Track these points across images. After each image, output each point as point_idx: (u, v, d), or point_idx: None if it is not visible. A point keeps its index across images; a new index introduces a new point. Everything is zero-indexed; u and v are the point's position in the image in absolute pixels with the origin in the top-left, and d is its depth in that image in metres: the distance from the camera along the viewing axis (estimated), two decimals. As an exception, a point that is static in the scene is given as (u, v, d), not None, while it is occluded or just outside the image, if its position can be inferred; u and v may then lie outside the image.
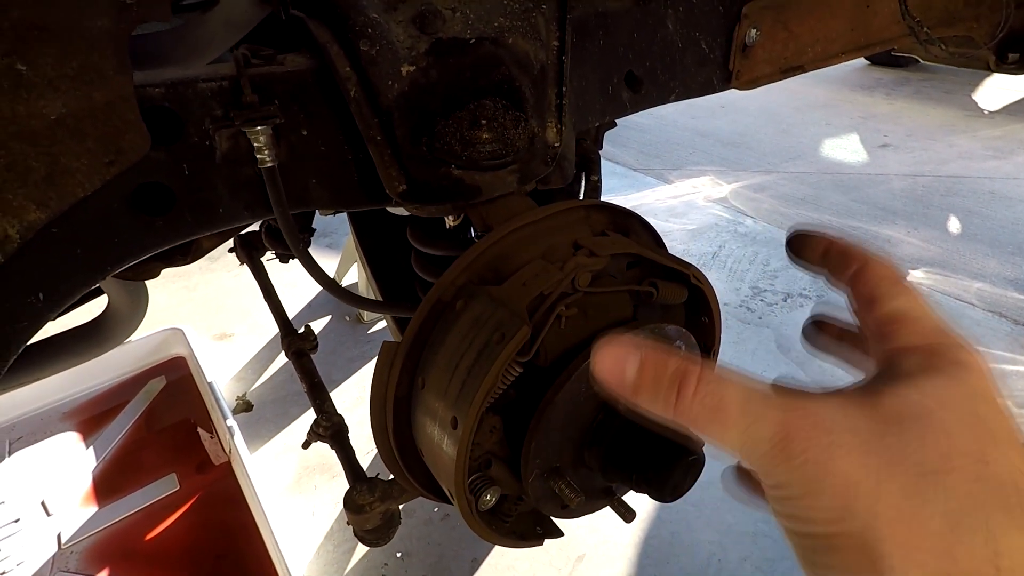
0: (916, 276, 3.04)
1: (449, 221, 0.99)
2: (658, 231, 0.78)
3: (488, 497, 0.63)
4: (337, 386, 2.41)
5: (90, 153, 0.58)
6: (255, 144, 0.63)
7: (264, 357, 2.58)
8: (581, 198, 1.19)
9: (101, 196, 0.60)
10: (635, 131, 5.10)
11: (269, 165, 0.64)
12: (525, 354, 0.58)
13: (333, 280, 0.83)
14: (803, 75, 1.13)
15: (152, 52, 0.89)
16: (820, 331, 0.54)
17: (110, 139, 0.58)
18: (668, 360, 0.38)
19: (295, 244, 0.73)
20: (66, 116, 0.54)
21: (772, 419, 0.34)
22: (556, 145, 0.74)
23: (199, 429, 2.10)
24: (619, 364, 0.39)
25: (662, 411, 0.38)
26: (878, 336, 0.42)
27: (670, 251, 0.74)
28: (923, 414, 0.34)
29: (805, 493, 0.33)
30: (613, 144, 4.80)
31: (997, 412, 0.35)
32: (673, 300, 0.71)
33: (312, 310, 2.87)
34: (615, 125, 1.18)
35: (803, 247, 0.53)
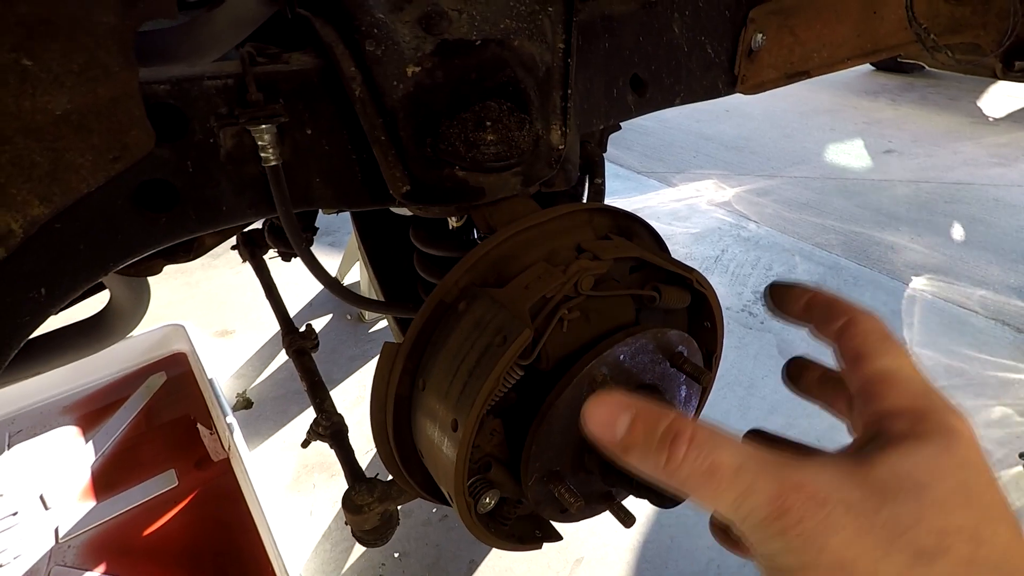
0: (919, 283, 3.04)
1: (452, 222, 0.99)
2: (661, 234, 0.78)
3: (487, 500, 0.63)
4: (337, 385, 2.41)
5: (94, 149, 0.58)
6: (259, 142, 0.63)
7: (265, 355, 2.58)
8: (585, 201, 1.18)
9: (105, 192, 0.60)
10: (639, 134, 5.09)
11: (273, 163, 0.64)
12: (527, 357, 0.58)
13: (335, 279, 0.83)
14: (808, 81, 1.13)
15: (158, 49, 0.89)
16: (802, 373, 0.53)
17: (115, 135, 0.58)
18: (660, 418, 0.37)
19: (298, 243, 0.73)
20: (71, 112, 0.54)
21: (766, 489, 0.34)
22: (560, 148, 0.74)
23: (199, 425, 2.10)
24: (610, 420, 0.39)
25: (652, 471, 0.37)
26: (865, 395, 0.42)
27: (673, 255, 0.74)
28: (916, 487, 0.34)
29: (799, 567, 0.33)
30: (617, 147, 4.80)
31: (988, 483, 0.35)
32: (676, 305, 0.70)
33: (313, 309, 2.87)
34: (619, 128, 1.18)
35: (784, 300, 0.52)
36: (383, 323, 2.76)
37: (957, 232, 3.54)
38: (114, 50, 0.55)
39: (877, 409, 0.40)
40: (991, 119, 5.28)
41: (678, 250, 3.35)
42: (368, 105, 0.65)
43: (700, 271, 0.70)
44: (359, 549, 1.81)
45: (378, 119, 0.65)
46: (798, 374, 0.53)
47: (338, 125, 0.69)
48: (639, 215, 0.74)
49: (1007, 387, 2.38)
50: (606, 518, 0.73)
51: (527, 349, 0.57)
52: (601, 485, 0.67)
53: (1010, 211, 3.74)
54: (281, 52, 0.69)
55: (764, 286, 0.52)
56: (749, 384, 2.41)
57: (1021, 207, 3.78)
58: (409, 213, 1.03)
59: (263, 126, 0.62)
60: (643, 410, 0.38)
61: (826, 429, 2.18)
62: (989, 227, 3.57)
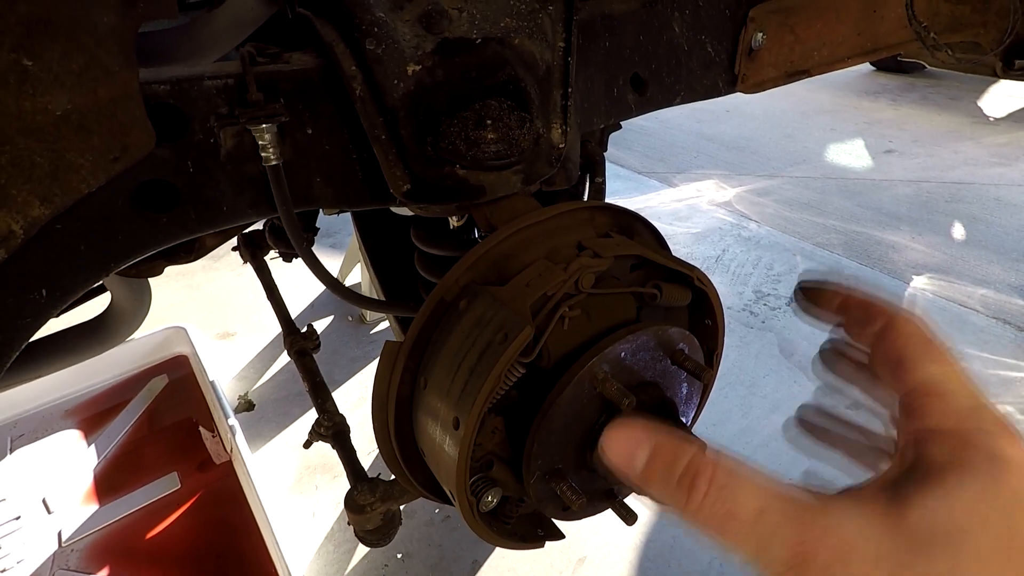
0: (920, 282, 3.03)
1: (453, 221, 0.99)
2: (662, 233, 0.78)
3: (489, 498, 0.63)
4: (339, 386, 2.41)
5: (95, 149, 0.58)
6: (260, 142, 0.63)
7: (266, 356, 2.58)
8: (585, 200, 1.18)
9: (105, 193, 0.60)
10: (640, 134, 5.09)
11: (274, 163, 0.64)
12: (528, 355, 0.58)
13: (336, 279, 0.83)
14: (808, 80, 1.13)
15: (158, 50, 0.89)
16: (839, 357, 0.50)
17: (115, 136, 0.58)
18: (679, 455, 0.36)
19: (299, 243, 0.73)
20: (71, 112, 0.54)
21: (788, 537, 0.32)
22: (561, 146, 0.74)
23: (200, 428, 2.10)
24: (629, 449, 0.37)
25: (672, 508, 0.36)
26: (907, 408, 0.38)
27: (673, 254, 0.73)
28: (954, 536, 0.31)
29: None
30: (617, 147, 4.80)
31: None
32: (677, 302, 0.70)
33: (315, 310, 2.88)
34: (620, 127, 1.18)
35: (816, 300, 0.48)
36: (384, 324, 2.76)
37: (958, 231, 3.54)
38: (114, 50, 0.55)
39: (919, 427, 0.37)
40: (992, 119, 5.28)
41: (679, 250, 3.35)
42: (369, 104, 0.65)
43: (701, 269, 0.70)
44: (362, 550, 1.81)
45: (379, 118, 0.65)
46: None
47: (339, 124, 0.69)
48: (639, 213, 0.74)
49: (1008, 385, 2.37)
50: (608, 517, 0.72)
51: (528, 347, 0.57)
52: (603, 483, 0.67)
53: (1010, 210, 3.73)
54: (281, 52, 0.69)
55: (795, 285, 0.49)
56: (751, 383, 2.41)
57: (1021, 206, 3.78)
58: (410, 213, 1.03)
59: (264, 125, 0.62)
60: (662, 444, 0.37)
61: (828, 428, 2.18)
62: (990, 226, 3.56)
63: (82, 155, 0.57)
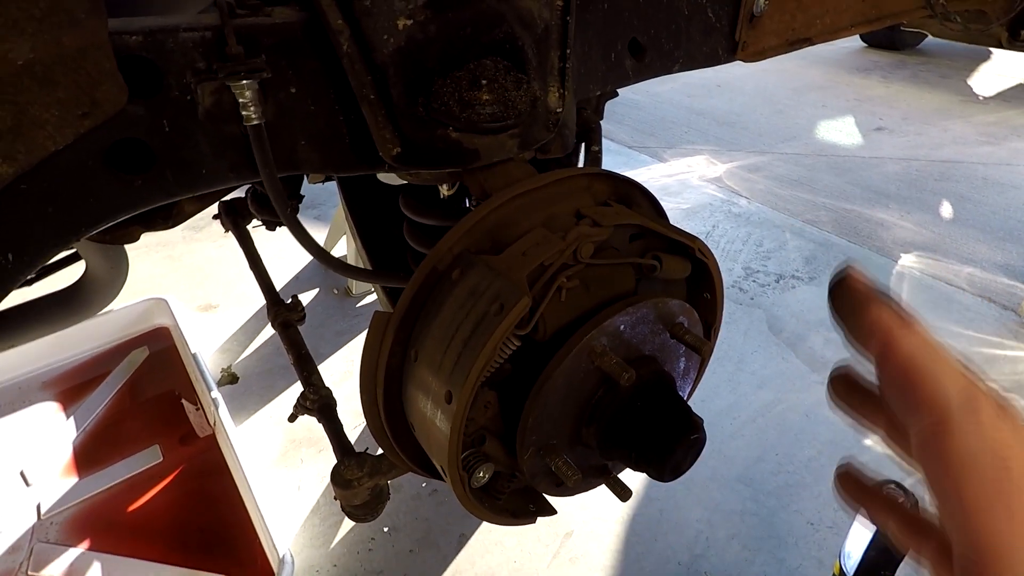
0: (908, 260, 3.05)
1: (443, 190, 0.96)
2: (658, 205, 0.75)
3: (481, 474, 0.61)
4: (325, 360, 2.38)
5: (61, 104, 0.54)
6: (240, 100, 0.60)
7: (250, 329, 2.54)
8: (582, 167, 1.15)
9: (75, 151, 0.56)
10: (630, 108, 5.04)
11: (255, 123, 0.61)
12: (524, 327, 0.56)
13: (322, 248, 0.79)
14: (799, 56, 1.10)
15: (132, 2, 0.84)
16: (849, 391, 0.46)
17: (83, 89, 0.54)
18: None
19: (282, 208, 0.69)
20: (34, 62, 0.50)
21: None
22: (558, 110, 0.71)
23: (183, 401, 2.07)
24: None
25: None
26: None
27: (673, 224, 0.71)
28: None
29: None
30: (608, 121, 4.73)
31: None
32: (676, 275, 0.68)
33: (300, 282, 2.83)
34: (616, 94, 1.15)
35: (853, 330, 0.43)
36: (371, 297, 2.72)
37: (946, 210, 3.55)
38: (80, -6, 0.51)
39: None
40: (981, 98, 5.28)
41: (668, 226, 3.33)
42: (356, 61, 0.61)
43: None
44: (348, 523, 1.80)
45: (367, 76, 0.62)
46: (845, 390, 0.46)
47: (324, 83, 0.65)
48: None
49: (993, 363, 2.40)
50: (596, 491, 0.71)
51: (524, 318, 0.55)
52: (598, 458, 0.66)
53: (998, 189, 3.75)
54: (262, 4, 0.65)
55: (831, 279, 0.45)
56: (739, 359, 2.42)
57: (1009, 185, 3.79)
58: (399, 181, 0.99)
59: (244, 82, 0.59)
60: None
61: (814, 404, 2.20)
62: (977, 205, 3.58)
63: (47, 109, 0.53)
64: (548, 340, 0.59)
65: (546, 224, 0.60)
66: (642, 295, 0.63)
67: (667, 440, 0.57)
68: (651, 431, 0.58)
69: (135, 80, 0.57)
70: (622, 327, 0.59)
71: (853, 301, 0.42)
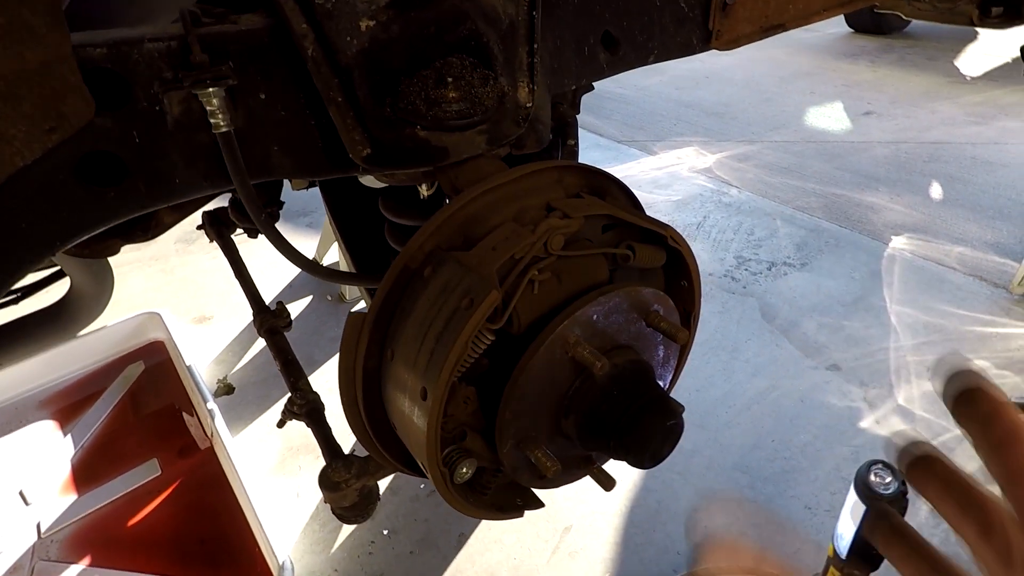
0: (899, 242, 3.05)
1: (423, 191, 0.96)
2: (642, 202, 0.76)
3: (464, 469, 0.61)
4: (319, 366, 2.38)
5: (27, 119, 0.54)
6: (208, 108, 0.60)
7: (244, 339, 2.54)
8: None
9: (44, 166, 0.57)
10: (618, 102, 5.04)
11: (224, 130, 0.61)
12: (496, 321, 0.56)
13: (300, 253, 0.80)
14: (786, 43, 1.10)
15: (102, 14, 0.84)
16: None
17: (49, 103, 0.55)
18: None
19: (256, 215, 0.70)
20: (-4, 77, 0.51)
21: None
22: (528, 105, 0.71)
23: (184, 414, 2.07)
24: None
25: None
26: None
27: (648, 214, 0.71)
28: None
29: None
30: (596, 116, 4.75)
31: None
32: (651, 263, 0.69)
33: (294, 289, 2.83)
34: (592, 88, 1.15)
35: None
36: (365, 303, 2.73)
37: (935, 191, 3.56)
38: (40, 10, 0.51)
39: None
40: (968, 78, 5.29)
41: (660, 217, 3.33)
42: (322, 64, 0.62)
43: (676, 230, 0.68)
44: (348, 528, 1.81)
45: (333, 78, 0.62)
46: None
47: (293, 88, 0.65)
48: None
49: (985, 341, 2.41)
50: (593, 485, 0.71)
51: (497, 312, 0.55)
52: (580, 449, 0.66)
53: (987, 168, 3.76)
54: (228, 12, 0.65)
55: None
56: (733, 348, 2.42)
57: (998, 164, 3.80)
58: (379, 184, 0.99)
59: (211, 89, 0.59)
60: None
61: (808, 389, 2.20)
62: (966, 185, 3.59)
63: (13, 125, 0.53)
64: (523, 333, 0.60)
65: (516, 218, 0.61)
66: (615, 284, 0.63)
67: (644, 428, 0.58)
68: (628, 419, 0.59)
69: (102, 92, 0.57)
70: (595, 317, 0.60)
71: (985, 411, 0.39)
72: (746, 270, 2.90)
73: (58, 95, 0.55)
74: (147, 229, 0.89)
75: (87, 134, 0.58)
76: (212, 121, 0.61)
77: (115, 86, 0.59)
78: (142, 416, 2.09)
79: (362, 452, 0.81)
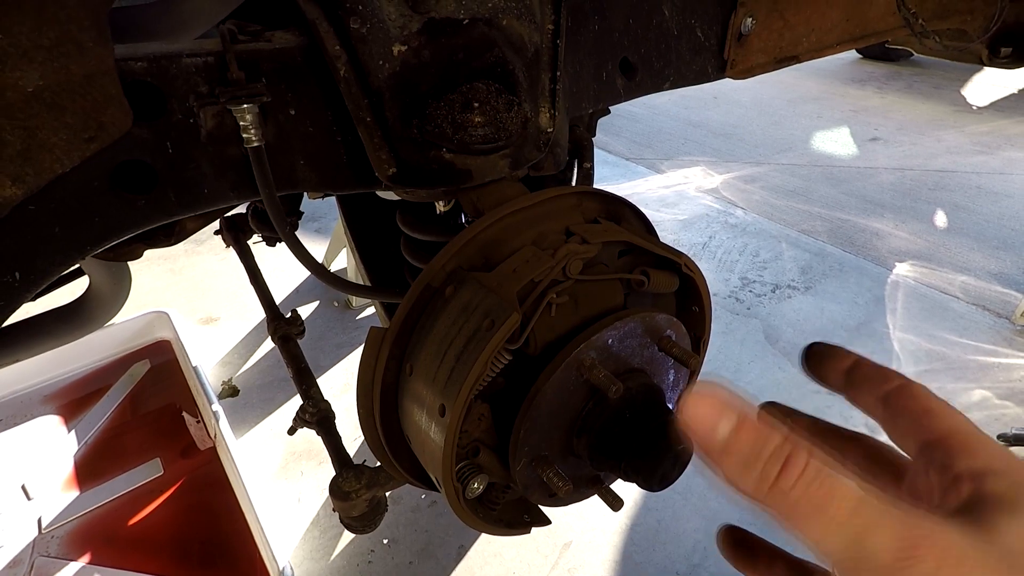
0: (902, 269, 3.07)
1: (440, 207, 0.98)
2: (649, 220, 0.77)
3: (476, 485, 0.63)
4: (324, 372, 2.39)
5: (69, 128, 0.56)
6: (241, 123, 0.62)
7: (250, 342, 2.55)
8: (573, 185, 1.17)
9: (81, 173, 0.58)
10: (628, 121, 5.08)
11: (255, 144, 0.62)
12: (515, 342, 0.58)
13: (320, 264, 0.81)
14: (796, 68, 1.13)
15: (136, 26, 0.86)
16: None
17: (90, 114, 0.56)
18: (772, 433, 0.34)
19: (282, 227, 0.71)
20: (43, 89, 0.53)
21: (892, 530, 0.31)
22: (549, 130, 0.73)
23: (184, 414, 2.08)
24: (714, 415, 0.35)
25: (750, 487, 0.34)
26: (946, 449, 0.39)
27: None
28: None
29: None
30: (606, 133, 4.78)
31: None
32: (664, 289, 0.70)
33: (300, 295, 2.85)
34: (608, 112, 1.17)
35: (823, 363, 0.50)
36: (370, 310, 2.74)
37: (940, 219, 3.58)
38: (87, 25, 0.53)
39: (970, 467, 0.37)
40: (975, 107, 5.32)
41: (666, 237, 3.35)
42: (353, 85, 0.64)
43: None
44: (348, 535, 1.81)
45: (363, 99, 0.64)
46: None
47: (322, 106, 0.67)
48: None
49: (986, 371, 2.42)
50: (593, 501, 0.73)
51: (515, 334, 0.57)
52: (590, 469, 0.67)
53: (992, 198, 3.78)
54: (263, 30, 0.67)
55: (802, 346, 0.51)
56: (736, 369, 2.43)
57: (1003, 194, 3.82)
58: (396, 197, 1.01)
59: (245, 106, 0.61)
60: (751, 420, 0.35)
61: (810, 413, 2.20)
62: (971, 214, 3.61)
63: (55, 134, 0.55)
64: (539, 354, 0.61)
65: (536, 242, 0.62)
66: (631, 310, 0.65)
67: (654, 451, 0.59)
68: (639, 442, 0.60)
69: (140, 104, 0.59)
70: (610, 341, 0.61)
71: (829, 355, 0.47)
72: (750, 291, 2.91)
73: (99, 106, 0.57)
74: (170, 234, 0.91)
75: (123, 143, 0.60)
76: (244, 136, 0.62)
77: (153, 98, 0.61)
78: (146, 415, 2.10)
79: (361, 460, 0.82)
